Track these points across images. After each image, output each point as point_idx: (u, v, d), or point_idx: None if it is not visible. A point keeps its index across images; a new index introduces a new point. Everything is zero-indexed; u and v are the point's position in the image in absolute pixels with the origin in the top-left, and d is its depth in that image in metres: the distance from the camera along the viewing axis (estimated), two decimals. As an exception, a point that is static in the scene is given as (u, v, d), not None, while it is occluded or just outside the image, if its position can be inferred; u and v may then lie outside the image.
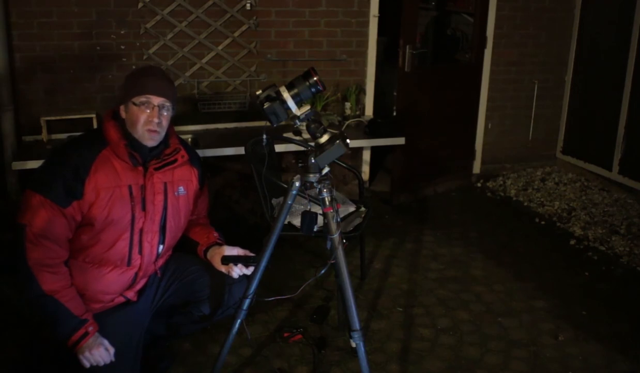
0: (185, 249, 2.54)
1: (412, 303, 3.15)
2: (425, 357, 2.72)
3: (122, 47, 3.87)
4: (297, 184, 2.15)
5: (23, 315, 2.75)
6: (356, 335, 2.18)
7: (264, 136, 2.32)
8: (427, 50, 5.67)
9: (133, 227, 2.27)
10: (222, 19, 4.02)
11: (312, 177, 2.12)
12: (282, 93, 2.07)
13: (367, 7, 4.36)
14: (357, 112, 4.46)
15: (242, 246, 2.44)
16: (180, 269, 2.50)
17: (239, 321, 2.28)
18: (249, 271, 2.34)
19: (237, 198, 4.14)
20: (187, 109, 4.06)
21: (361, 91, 4.48)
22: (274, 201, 3.14)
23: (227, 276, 2.40)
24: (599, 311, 3.13)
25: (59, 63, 3.78)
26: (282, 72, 4.22)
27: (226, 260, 2.37)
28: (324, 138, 2.08)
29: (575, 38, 5.06)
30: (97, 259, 2.26)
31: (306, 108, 2.09)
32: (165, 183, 2.34)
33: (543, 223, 4.23)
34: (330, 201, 2.11)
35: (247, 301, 2.26)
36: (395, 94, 4.84)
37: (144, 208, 2.28)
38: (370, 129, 4.15)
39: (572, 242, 3.93)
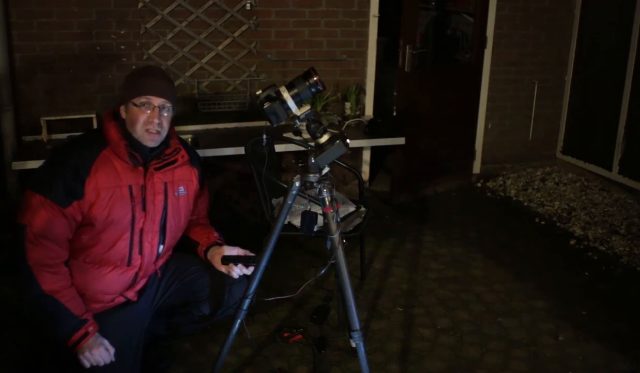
0: (185, 249, 2.55)
1: (412, 303, 3.15)
2: (425, 357, 2.72)
3: (122, 47, 3.87)
4: (297, 184, 2.15)
5: (23, 315, 2.75)
6: (356, 335, 2.18)
7: (264, 136, 2.32)
8: (427, 50, 5.67)
9: (133, 227, 2.27)
10: (222, 19, 4.02)
11: (312, 177, 2.12)
12: (282, 93, 2.07)
13: (367, 7, 4.36)
14: (357, 112, 4.46)
15: (242, 246, 2.44)
16: (180, 269, 2.50)
17: (239, 321, 2.28)
18: (249, 271, 2.34)
19: (237, 198, 4.14)
20: (187, 109, 4.06)
21: (361, 91, 4.48)
22: (274, 201, 3.14)
23: (227, 276, 2.40)
24: (599, 311, 3.13)
25: (59, 63, 3.78)
26: (282, 72, 4.22)
27: (226, 260, 2.37)
28: (324, 138, 2.08)
29: (575, 38, 5.06)
30: (97, 259, 2.26)
31: (306, 108, 2.09)
32: (165, 183, 2.34)
33: (543, 223, 4.23)
34: (330, 201, 2.11)
35: (247, 301, 2.26)
36: (395, 94, 4.84)
37: (144, 208, 2.28)
38: (370, 129, 4.15)
39: (572, 242, 3.93)
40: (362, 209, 3.18)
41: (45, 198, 2.12)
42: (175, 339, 2.71)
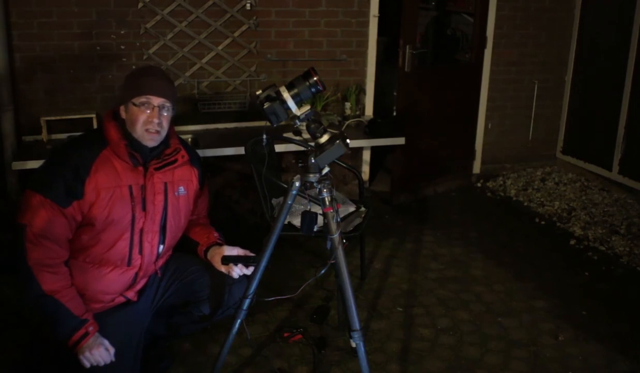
0: (185, 249, 2.55)
1: (412, 303, 3.15)
2: (425, 357, 2.72)
3: (122, 47, 3.87)
4: (297, 184, 2.15)
5: (23, 315, 2.75)
6: (356, 335, 2.18)
7: (264, 136, 2.32)
8: (427, 50, 5.67)
9: (133, 227, 2.27)
10: (222, 19, 4.02)
11: (312, 177, 2.12)
12: (282, 93, 2.07)
13: (367, 7, 4.36)
14: (357, 112, 4.46)
15: (242, 246, 2.44)
16: (180, 269, 2.50)
17: (239, 321, 2.28)
18: (249, 271, 2.34)
19: (237, 198, 4.14)
20: (187, 109, 4.06)
21: (361, 91, 4.48)
22: (274, 201, 3.14)
23: (227, 276, 2.40)
24: (599, 311, 3.13)
25: (59, 63, 3.78)
26: (282, 72, 4.22)
27: (226, 260, 2.37)
28: (324, 138, 2.08)
29: (575, 38, 5.06)
30: (97, 259, 2.27)
31: (306, 108, 2.09)
32: (165, 183, 2.34)
33: (543, 223, 4.23)
34: (330, 201, 2.11)
35: (247, 301, 2.26)
36: (395, 94, 4.84)
37: (144, 208, 2.28)
38: (370, 129, 4.15)
39: (572, 242, 3.93)
40: (362, 209, 3.18)
41: (45, 198, 2.12)
42: (175, 339, 2.71)
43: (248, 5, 4.03)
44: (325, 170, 2.14)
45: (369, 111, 4.55)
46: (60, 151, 2.27)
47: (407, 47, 4.18)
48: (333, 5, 4.27)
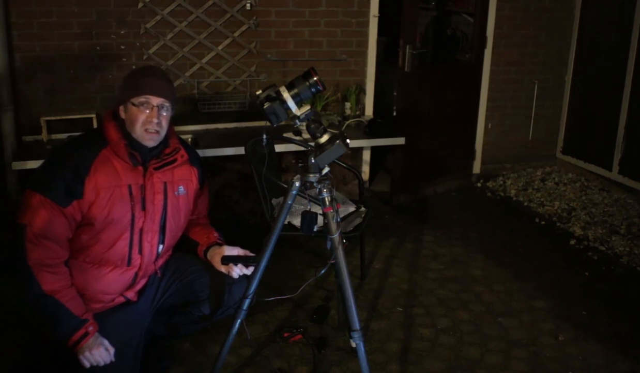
0: (185, 249, 2.55)
1: (412, 303, 3.15)
2: (425, 357, 2.72)
3: (122, 47, 3.87)
4: (297, 184, 2.15)
5: (23, 315, 2.75)
6: (356, 335, 2.18)
7: (264, 136, 2.32)
8: (427, 50, 5.67)
9: (133, 227, 2.27)
10: (222, 19, 4.02)
11: (312, 177, 2.12)
12: (282, 93, 2.07)
13: (367, 7, 4.36)
14: (357, 112, 4.46)
15: (242, 246, 2.44)
16: (180, 269, 2.50)
17: (239, 321, 2.28)
18: (249, 271, 2.34)
19: (237, 198, 4.14)
20: (187, 109, 4.06)
21: (361, 91, 4.48)
22: (274, 201, 3.14)
23: (227, 276, 2.40)
24: (599, 311, 3.13)
25: (59, 63, 3.78)
26: (282, 72, 4.22)
27: (226, 260, 2.37)
28: (324, 138, 2.08)
29: (575, 38, 5.06)
30: (97, 259, 2.27)
31: (306, 108, 2.09)
32: (165, 183, 2.34)
33: (543, 223, 4.23)
34: (330, 201, 2.11)
35: (247, 301, 2.26)
36: (395, 94, 4.84)
37: (143, 208, 2.28)
38: (370, 129, 4.15)
39: (572, 242, 3.93)
40: (362, 209, 3.18)
41: (45, 198, 2.12)
42: (175, 339, 2.71)
43: (248, 5, 4.03)
44: (325, 170, 2.14)
45: (369, 111, 4.55)
46: (60, 151, 2.27)
47: (407, 47, 4.18)
48: (333, 5, 4.27)
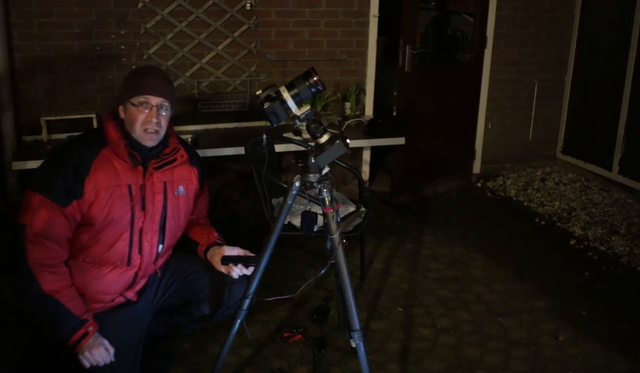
0: (185, 249, 2.55)
1: (412, 303, 3.15)
2: (425, 357, 2.72)
3: (122, 47, 3.87)
4: (297, 184, 2.15)
5: (23, 315, 2.75)
6: (356, 335, 2.18)
7: (264, 136, 2.32)
8: (427, 50, 5.67)
9: (133, 227, 2.27)
10: (222, 19, 4.02)
11: (312, 177, 2.12)
12: (282, 93, 2.07)
13: (367, 7, 4.36)
14: (357, 112, 4.46)
15: (242, 246, 2.44)
16: (180, 269, 2.50)
17: (239, 321, 2.28)
18: (249, 271, 2.34)
19: (237, 198, 4.14)
20: (187, 109, 4.06)
21: (361, 91, 4.48)
22: (274, 201, 3.14)
23: (227, 277, 2.40)
24: (599, 311, 3.13)
25: (59, 63, 3.78)
26: (282, 72, 4.22)
27: (226, 260, 2.37)
28: (324, 138, 2.09)
29: (575, 38, 5.06)
30: (97, 259, 2.27)
31: (306, 108, 2.09)
32: (164, 183, 2.34)
33: (543, 223, 4.23)
34: (330, 201, 2.11)
35: (247, 301, 2.26)
36: (395, 94, 4.84)
37: (143, 208, 2.28)
38: (370, 129, 4.15)
39: (572, 242, 3.93)
40: (362, 209, 3.18)
41: (45, 198, 2.12)
42: (175, 339, 2.71)
43: (248, 5, 4.03)
44: (325, 170, 2.14)
45: (369, 111, 4.55)
46: (60, 151, 2.27)
47: (407, 47, 4.18)
48: (333, 5, 4.27)
